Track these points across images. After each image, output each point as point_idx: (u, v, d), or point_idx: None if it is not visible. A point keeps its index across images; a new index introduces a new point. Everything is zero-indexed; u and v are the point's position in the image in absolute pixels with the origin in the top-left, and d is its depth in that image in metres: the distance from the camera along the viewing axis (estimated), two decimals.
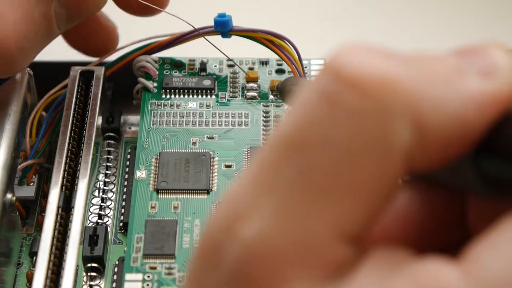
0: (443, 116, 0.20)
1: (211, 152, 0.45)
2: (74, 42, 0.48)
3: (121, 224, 0.44)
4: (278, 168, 0.20)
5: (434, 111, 0.20)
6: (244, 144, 0.46)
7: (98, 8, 0.45)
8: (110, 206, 0.45)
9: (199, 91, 0.49)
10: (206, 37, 0.48)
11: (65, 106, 0.46)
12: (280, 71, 0.50)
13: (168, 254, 0.40)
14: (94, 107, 0.46)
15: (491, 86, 0.20)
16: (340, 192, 0.20)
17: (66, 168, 0.43)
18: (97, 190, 0.46)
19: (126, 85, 0.49)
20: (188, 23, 0.47)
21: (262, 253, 0.20)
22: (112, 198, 0.46)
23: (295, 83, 0.46)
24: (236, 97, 0.49)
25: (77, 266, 0.40)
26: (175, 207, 0.43)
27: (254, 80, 0.49)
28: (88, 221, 0.45)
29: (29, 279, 0.42)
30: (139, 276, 0.40)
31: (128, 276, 0.40)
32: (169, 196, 0.43)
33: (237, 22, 0.48)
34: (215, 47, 0.48)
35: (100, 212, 0.45)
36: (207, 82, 0.49)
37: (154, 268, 0.40)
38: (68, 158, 0.43)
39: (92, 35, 0.48)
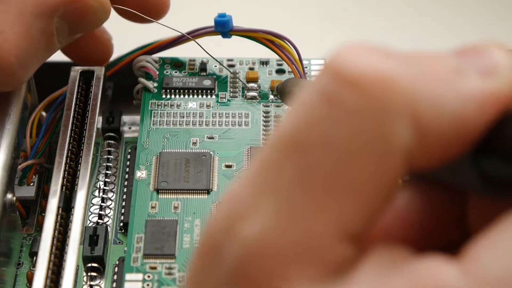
0: (443, 115, 0.20)
1: (211, 152, 0.45)
2: (68, 52, 0.48)
3: (121, 224, 0.44)
4: (278, 168, 0.20)
5: (434, 110, 0.20)
6: (244, 144, 0.46)
7: (100, 22, 0.45)
8: (110, 206, 0.45)
9: (199, 91, 0.49)
10: (202, 39, 0.48)
11: (65, 106, 0.46)
12: (280, 71, 0.50)
13: (168, 254, 0.40)
14: (94, 107, 0.46)
15: (491, 86, 0.20)
16: (340, 191, 0.20)
17: (66, 168, 0.43)
18: (97, 190, 0.46)
19: (126, 85, 0.49)
20: (181, 33, 0.48)
21: (262, 253, 0.20)
22: (112, 198, 0.46)
23: (295, 84, 0.46)
24: (236, 97, 0.49)
25: (77, 266, 0.40)
26: (175, 207, 0.43)
27: (254, 80, 0.49)
28: (88, 221, 0.45)
29: (29, 279, 0.42)
30: (139, 276, 0.40)
31: (128, 276, 0.40)
32: (169, 196, 0.43)
33: (237, 22, 0.48)
34: (207, 52, 0.48)
35: (100, 212, 0.45)
36: (207, 82, 0.49)
37: (154, 268, 0.40)
38: (68, 158, 0.43)
39: (87, 47, 0.48)
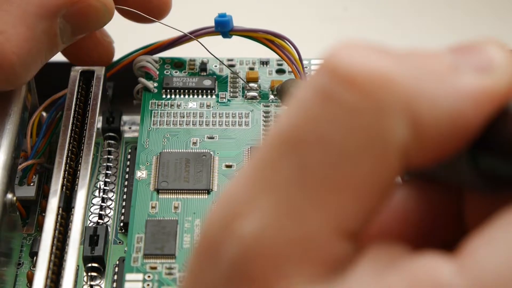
0: (439, 112, 0.20)
1: (211, 152, 0.45)
2: (69, 54, 0.48)
3: (121, 224, 0.44)
4: (275, 165, 0.20)
5: (430, 107, 0.20)
6: (245, 144, 0.46)
7: (103, 23, 0.45)
8: (110, 206, 0.45)
9: (200, 91, 0.49)
10: (202, 39, 0.48)
11: (65, 106, 0.46)
12: (280, 71, 0.50)
13: (168, 254, 0.40)
14: (95, 107, 0.46)
15: (487, 82, 0.20)
16: (338, 189, 0.20)
17: (67, 168, 0.43)
18: (97, 190, 0.46)
19: (127, 85, 0.49)
20: (184, 32, 0.48)
21: (260, 251, 0.20)
22: (112, 198, 0.46)
23: (295, 85, 0.46)
24: (236, 97, 0.49)
25: (78, 266, 0.40)
26: (176, 207, 0.43)
27: (255, 80, 0.49)
28: (89, 221, 0.45)
29: (30, 279, 0.42)
30: (140, 276, 0.40)
31: (128, 276, 0.40)
32: (169, 196, 0.43)
33: (237, 22, 0.48)
34: (208, 51, 0.48)
35: (101, 212, 0.45)
36: (207, 82, 0.49)
37: (155, 268, 0.40)
38: (68, 158, 0.43)
39: (88, 49, 0.48)
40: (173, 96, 0.49)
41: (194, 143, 0.46)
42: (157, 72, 0.49)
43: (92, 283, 0.42)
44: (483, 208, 0.21)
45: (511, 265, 0.19)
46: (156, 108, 0.48)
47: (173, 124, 0.47)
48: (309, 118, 0.20)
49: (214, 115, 0.47)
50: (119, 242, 0.44)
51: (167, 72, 0.50)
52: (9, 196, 0.41)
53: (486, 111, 0.20)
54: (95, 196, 0.46)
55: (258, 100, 0.48)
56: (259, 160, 0.21)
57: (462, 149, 0.21)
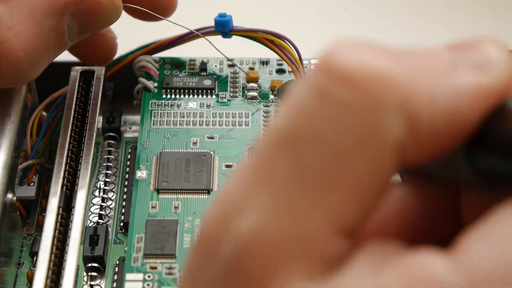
0: (436, 109, 0.20)
1: (211, 152, 0.45)
2: (72, 48, 0.48)
3: (121, 224, 0.44)
4: (273, 163, 0.20)
5: (426, 104, 0.20)
6: (245, 144, 0.46)
7: (111, 21, 0.45)
8: (110, 206, 0.45)
9: (200, 91, 0.49)
10: (202, 39, 0.48)
11: (65, 106, 0.46)
12: (280, 71, 0.50)
13: (168, 254, 0.40)
14: (95, 107, 0.46)
15: (484, 79, 0.21)
16: (335, 186, 0.20)
17: (67, 168, 0.43)
18: (97, 190, 0.46)
19: (127, 85, 0.49)
20: (190, 30, 0.48)
21: (257, 248, 0.20)
22: (112, 198, 0.46)
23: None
24: (236, 97, 0.49)
25: (78, 266, 0.40)
26: (176, 207, 0.43)
27: (255, 80, 0.49)
28: (89, 221, 0.45)
29: (30, 279, 0.42)
30: (140, 276, 0.40)
31: (128, 276, 0.40)
32: (169, 196, 0.43)
33: (237, 22, 0.48)
34: (217, 49, 0.48)
35: (101, 212, 0.45)
36: (207, 82, 0.49)
37: (155, 268, 0.40)
38: (68, 158, 0.43)
39: (91, 45, 0.48)
40: (173, 96, 0.49)
41: (194, 143, 0.46)
42: (157, 72, 0.49)
43: (92, 283, 0.42)
44: (480, 205, 0.22)
45: (505, 261, 0.19)
46: (156, 108, 0.48)
47: (173, 124, 0.47)
48: (306, 116, 0.20)
49: (214, 115, 0.47)
50: (119, 242, 0.44)
51: (167, 72, 0.50)
52: (9, 196, 0.41)
53: (483, 108, 0.20)
54: (95, 196, 0.46)
55: (258, 100, 0.49)
56: (257, 158, 0.21)
57: (458, 147, 0.21)
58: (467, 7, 0.66)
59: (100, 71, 0.47)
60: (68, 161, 0.43)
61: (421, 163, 0.21)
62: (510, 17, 0.65)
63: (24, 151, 0.46)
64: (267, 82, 0.49)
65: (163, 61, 0.50)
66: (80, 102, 0.46)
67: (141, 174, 0.44)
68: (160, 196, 0.43)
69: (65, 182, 0.42)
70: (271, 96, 0.49)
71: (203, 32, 0.48)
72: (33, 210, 0.46)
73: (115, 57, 0.49)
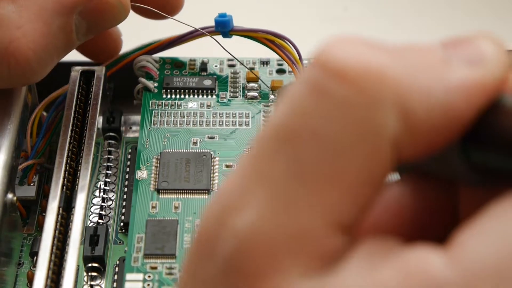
0: (431, 104, 0.20)
1: (211, 152, 0.45)
2: (79, 47, 0.48)
3: (121, 224, 0.44)
4: (270, 160, 0.20)
5: (421, 99, 0.20)
6: (245, 144, 0.46)
7: (119, 21, 0.45)
8: (110, 206, 0.45)
9: (200, 91, 0.49)
10: (202, 39, 0.48)
11: (65, 106, 0.46)
12: (280, 71, 0.50)
13: (168, 254, 0.40)
14: (95, 107, 0.46)
15: (478, 75, 0.21)
16: (331, 182, 0.20)
17: (67, 168, 0.43)
18: (97, 190, 0.46)
19: (127, 85, 0.49)
20: (195, 28, 0.48)
21: (255, 245, 0.20)
22: (112, 198, 0.46)
23: None
24: (236, 97, 0.49)
25: (78, 266, 0.40)
26: (176, 207, 0.43)
27: (255, 80, 0.49)
28: (89, 221, 0.45)
29: (30, 279, 0.42)
30: (140, 276, 0.40)
31: (128, 276, 0.40)
32: (169, 196, 0.43)
33: (237, 22, 0.48)
34: (223, 47, 0.48)
35: (101, 212, 0.45)
36: (207, 82, 0.49)
37: (155, 268, 0.40)
38: (68, 158, 0.43)
39: (96, 41, 0.48)
40: (173, 96, 0.49)
41: (195, 143, 0.46)
42: (158, 72, 0.49)
43: (92, 283, 0.42)
44: (476, 201, 0.22)
45: (500, 256, 0.19)
46: (156, 108, 0.48)
47: (173, 124, 0.47)
48: (303, 113, 0.20)
49: (214, 115, 0.48)
50: (120, 242, 0.44)
51: (167, 72, 0.50)
52: (10, 196, 0.41)
53: (478, 103, 0.21)
54: (96, 196, 0.46)
55: (258, 100, 0.49)
56: (254, 155, 0.21)
57: (454, 142, 0.21)
58: (467, 6, 0.66)
59: (100, 71, 0.47)
60: (68, 161, 0.43)
61: (417, 159, 0.21)
62: (510, 17, 0.65)
63: (24, 151, 0.46)
64: (267, 82, 0.49)
65: (163, 61, 0.50)
66: (80, 102, 0.46)
67: (141, 174, 0.44)
68: (160, 196, 0.43)
69: (65, 182, 0.42)
70: (271, 96, 0.49)
71: (203, 32, 0.48)
72: (33, 210, 0.46)
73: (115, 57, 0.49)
